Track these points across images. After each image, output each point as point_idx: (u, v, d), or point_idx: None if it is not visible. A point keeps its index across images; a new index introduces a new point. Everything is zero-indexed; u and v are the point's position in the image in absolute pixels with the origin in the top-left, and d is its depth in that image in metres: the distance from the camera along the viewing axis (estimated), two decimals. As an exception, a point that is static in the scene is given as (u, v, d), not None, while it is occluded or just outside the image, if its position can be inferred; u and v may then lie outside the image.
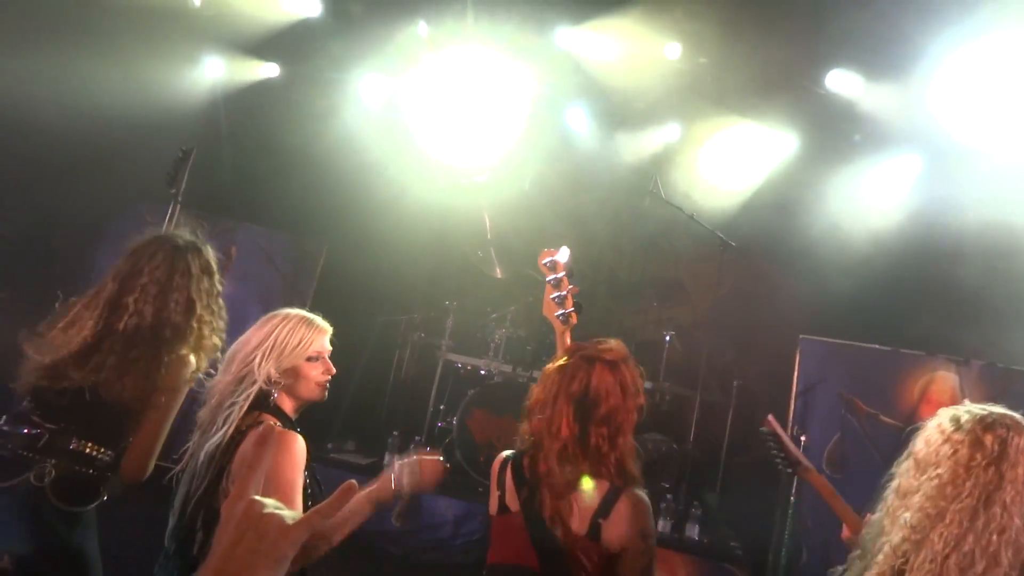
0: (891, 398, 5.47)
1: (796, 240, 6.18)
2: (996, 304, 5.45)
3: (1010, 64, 5.58)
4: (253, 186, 6.82)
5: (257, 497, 0.99)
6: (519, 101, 7.03)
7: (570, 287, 2.62)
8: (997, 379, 5.34)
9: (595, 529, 2.17)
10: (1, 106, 5.23)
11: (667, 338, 6.48)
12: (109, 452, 2.58)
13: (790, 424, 5.60)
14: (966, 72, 5.73)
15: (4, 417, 2.61)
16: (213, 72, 7.31)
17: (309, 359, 2.44)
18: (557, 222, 6.75)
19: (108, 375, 2.52)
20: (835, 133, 6.67)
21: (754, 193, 6.75)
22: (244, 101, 7.29)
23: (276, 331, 2.43)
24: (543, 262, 2.66)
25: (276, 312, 2.52)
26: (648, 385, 6.41)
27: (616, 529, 2.17)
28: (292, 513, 0.99)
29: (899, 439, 5.41)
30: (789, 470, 2.66)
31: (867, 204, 6.38)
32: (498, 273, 6.76)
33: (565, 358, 2.34)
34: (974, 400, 5.52)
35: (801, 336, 5.77)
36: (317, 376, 2.46)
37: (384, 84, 7.36)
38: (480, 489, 5.72)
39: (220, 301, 2.84)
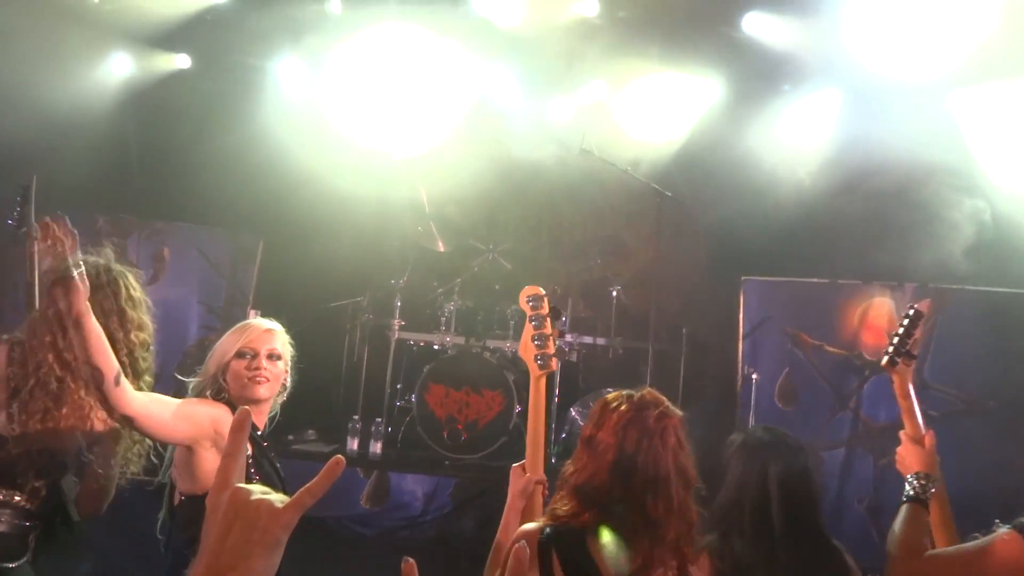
0: (833, 328, 5.66)
1: (729, 184, 6.28)
2: (925, 227, 5.64)
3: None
4: (178, 184, 6.62)
5: (241, 485, 0.97)
6: (441, 72, 6.94)
7: (554, 330, 2.46)
8: (930, 299, 5.56)
9: None
10: None
11: (613, 293, 6.56)
12: (35, 496, 2.40)
13: (740, 364, 5.76)
14: (874, 3, 5.86)
15: None
16: (120, 69, 7.01)
17: (237, 356, 2.52)
18: (494, 190, 6.72)
19: (22, 420, 2.36)
20: (756, 75, 6.76)
21: (684, 142, 6.81)
22: (156, 96, 7.03)
23: (220, 339, 2.61)
24: (525, 299, 2.47)
25: None
26: (601, 341, 6.55)
27: None
28: (280, 496, 0.96)
29: (846, 366, 5.62)
30: (894, 358, 2.27)
31: (794, 142, 6.51)
32: (440, 247, 6.73)
33: (635, 418, 2.04)
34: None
35: (743, 277, 5.91)
36: (245, 372, 2.50)
37: (302, 67, 7.17)
38: (446, 463, 5.75)
39: (138, 314, 2.63)
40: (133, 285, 2.64)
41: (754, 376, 5.40)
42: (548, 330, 2.46)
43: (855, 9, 5.90)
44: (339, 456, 0.96)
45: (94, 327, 2.17)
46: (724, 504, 2.30)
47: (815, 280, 5.80)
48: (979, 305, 5.50)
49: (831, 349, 5.64)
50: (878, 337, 5.56)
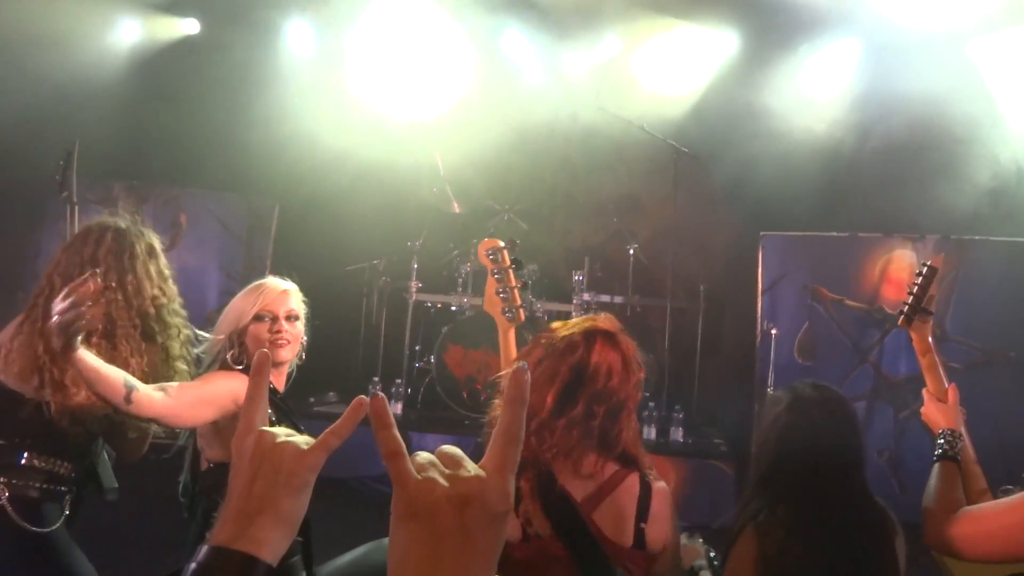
0: (854, 282, 5.61)
1: (746, 139, 6.20)
2: (946, 178, 5.55)
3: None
4: (192, 150, 6.61)
5: (266, 428, 0.96)
6: (454, 32, 6.85)
7: (517, 282, 2.40)
8: (952, 251, 5.49)
9: (639, 536, 1.96)
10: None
11: (630, 251, 6.53)
12: (67, 465, 2.42)
13: (759, 320, 5.74)
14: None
15: None
16: (129, 35, 6.97)
17: (256, 319, 2.49)
18: (509, 151, 6.67)
19: (54, 382, 2.32)
20: (773, 26, 6.62)
21: (701, 97, 6.70)
22: (167, 61, 6.99)
23: (233, 300, 2.56)
24: (485, 252, 2.41)
25: None
26: (618, 299, 6.54)
27: (657, 530, 1.99)
28: (305, 438, 0.95)
29: (866, 320, 5.58)
30: (910, 316, 2.25)
31: (812, 94, 6.40)
32: (455, 208, 6.70)
33: (558, 337, 2.03)
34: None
35: (762, 233, 5.86)
36: (266, 335, 2.47)
37: (313, 30, 7.10)
38: (466, 422, 5.80)
39: (173, 286, 2.64)
40: (146, 248, 2.61)
41: (773, 331, 5.38)
42: (512, 282, 2.40)
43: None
44: (362, 396, 0.92)
45: (88, 364, 2.11)
46: (769, 465, 2.22)
47: (835, 234, 5.73)
48: (1001, 255, 5.43)
49: (851, 303, 5.60)
50: (899, 290, 5.50)
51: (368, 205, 6.74)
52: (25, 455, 2.36)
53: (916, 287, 2.27)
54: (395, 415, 5.05)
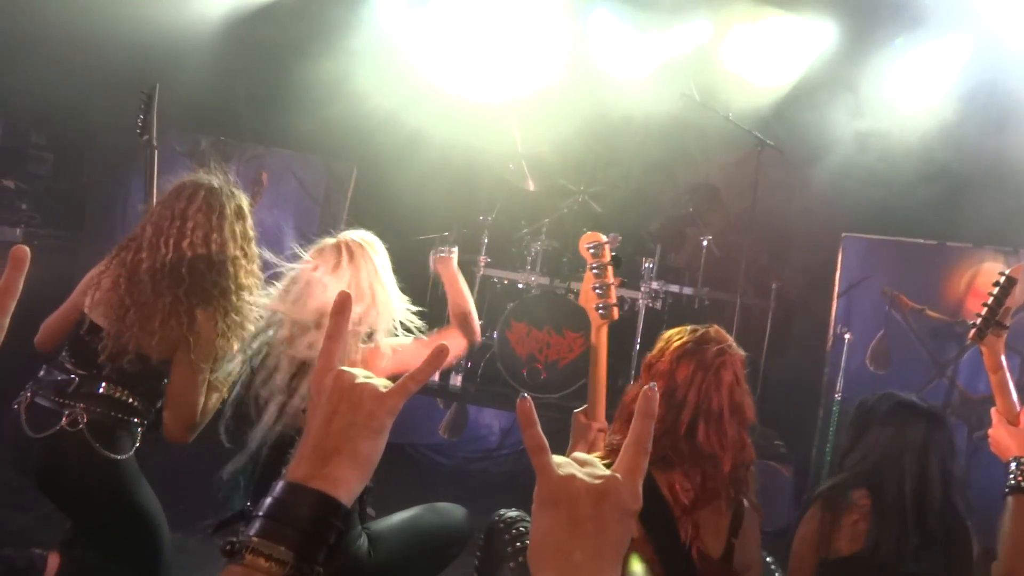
0: (937, 292, 5.38)
1: (836, 136, 5.98)
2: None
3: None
4: (277, 111, 6.75)
5: (345, 368, 0.97)
6: (539, 9, 6.78)
7: (614, 280, 2.36)
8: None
9: (729, 551, 1.97)
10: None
11: (704, 243, 6.40)
12: (141, 400, 2.57)
13: (832, 323, 5.56)
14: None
15: (44, 367, 2.62)
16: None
17: None
18: (588, 133, 6.59)
19: (132, 322, 2.47)
20: (874, 18, 6.33)
21: (791, 89, 6.48)
22: (257, 23, 7.13)
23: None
24: (586, 246, 2.37)
25: (357, 240, 2.63)
26: (688, 290, 6.43)
27: (746, 549, 1.99)
28: (383, 381, 0.96)
29: (946, 333, 5.35)
30: (982, 330, 2.13)
31: (911, 93, 6.11)
32: (530, 186, 6.68)
33: (693, 351, 2.04)
34: (1020, 290, 5.38)
35: (843, 234, 5.66)
36: None
37: (402, 2, 7.13)
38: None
39: (255, 248, 2.75)
40: (235, 209, 2.70)
41: (847, 336, 5.21)
42: (609, 279, 2.36)
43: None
44: (443, 344, 0.95)
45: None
46: (856, 460, 2.21)
47: (922, 241, 5.50)
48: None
49: (932, 314, 5.37)
50: (985, 304, 5.26)
51: (443, 176, 6.78)
52: (103, 385, 2.52)
53: (992, 298, 2.15)
54: (454, 387, 5.12)
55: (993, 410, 2.10)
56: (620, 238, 2.47)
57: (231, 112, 6.85)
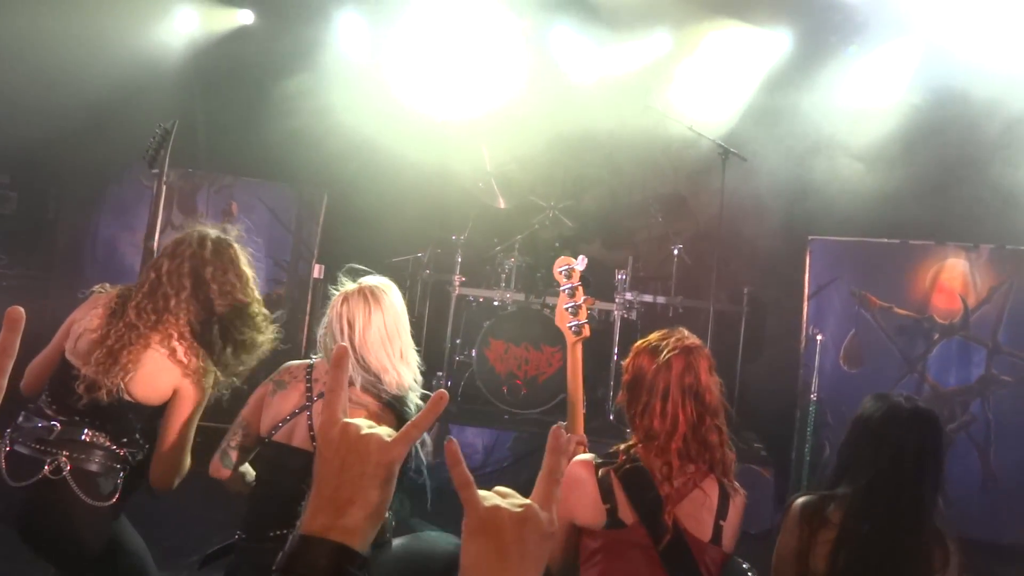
0: (903, 290, 5.50)
1: (797, 141, 6.11)
2: (1004, 185, 5.41)
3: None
4: (244, 139, 6.74)
5: (349, 420, 0.99)
6: (504, 28, 6.86)
7: (585, 298, 2.55)
8: (1007, 261, 5.35)
9: (717, 533, 2.13)
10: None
11: (675, 251, 6.49)
12: (124, 446, 2.53)
13: (804, 325, 5.66)
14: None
15: (23, 413, 2.55)
16: (186, 25, 7.13)
17: None
18: (555, 148, 6.67)
19: (120, 368, 2.44)
20: (827, 26, 6.50)
21: (751, 97, 6.62)
22: (222, 51, 7.14)
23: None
24: (558, 269, 2.59)
25: (374, 287, 2.60)
26: (661, 299, 6.50)
27: (732, 529, 2.16)
28: (386, 430, 0.99)
29: (915, 329, 5.46)
30: None
31: (867, 96, 6.26)
32: (501, 204, 6.73)
33: (658, 350, 2.26)
34: (984, 284, 5.48)
35: (810, 237, 5.77)
36: None
37: (366, 24, 7.17)
38: (505, 417, 5.83)
39: (257, 294, 2.73)
40: (235, 256, 2.71)
41: (819, 337, 5.29)
42: (580, 299, 2.54)
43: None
44: (443, 391, 0.99)
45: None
46: (845, 461, 2.27)
47: (885, 240, 5.63)
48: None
49: (900, 311, 5.49)
50: (950, 300, 5.39)
51: (414, 197, 6.80)
52: (87, 432, 2.48)
53: None
54: (436, 407, 5.07)
55: None
56: (587, 260, 2.61)
57: (198, 142, 6.83)
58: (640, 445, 2.21)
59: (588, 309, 2.58)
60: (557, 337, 5.89)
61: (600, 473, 2.18)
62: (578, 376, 2.48)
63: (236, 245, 2.72)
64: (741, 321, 6.32)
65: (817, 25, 6.50)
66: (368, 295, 2.55)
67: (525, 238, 6.63)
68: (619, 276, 6.23)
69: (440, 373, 6.16)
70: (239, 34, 7.34)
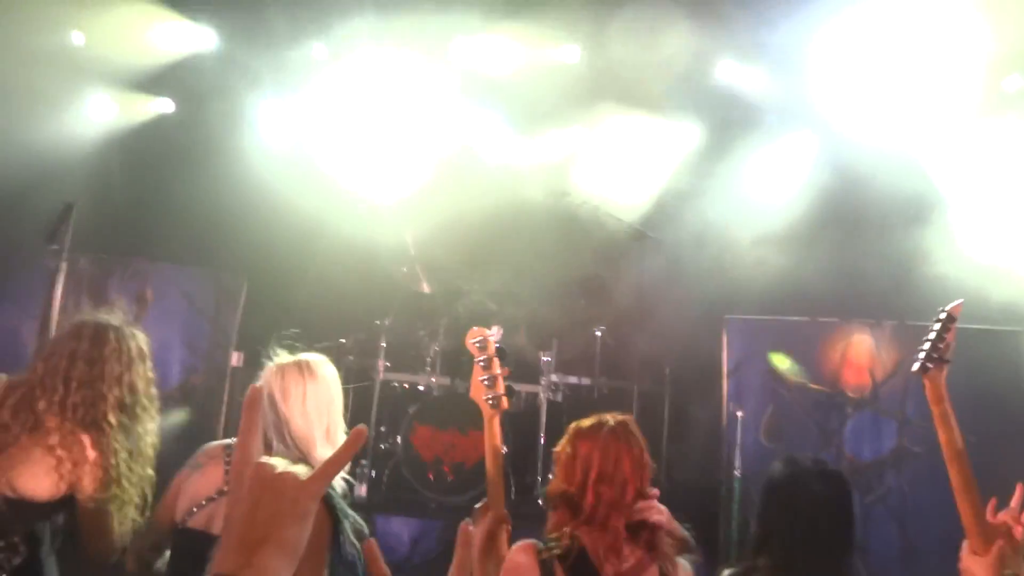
0: (815, 366, 5.71)
1: (710, 225, 6.38)
2: (902, 264, 5.74)
3: (883, 42, 5.91)
4: (161, 225, 6.62)
5: (264, 459, 0.97)
6: (426, 115, 7.04)
7: (501, 370, 2.52)
8: (908, 336, 5.63)
9: None
10: None
11: (597, 334, 6.59)
12: (23, 542, 2.41)
13: (725, 402, 5.79)
14: (844, 53, 6.04)
15: None
16: (103, 112, 7.06)
17: None
18: (478, 232, 6.77)
19: (9, 463, 2.36)
20: (733, 120, 6.93)
21: (665, 184, 6.93)
22: (139, 138, 7.08)
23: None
24: (471, 341, 2.53)
25: (311, 361, 2.53)
26: (586, 381, 6.55)
27: None
28: (303, 468, 0.98)
29: (828, 404, 5.65)
30: (926, 364, 2.23)
31: (772, 182, 6.64)
32: (425, 288, 6.74)
33: (594, 430, 2.34)
34: (890, 358, 5.71)
35: (726, 316, 5.97)
36: None
37: (286, 111, 7.25)
38: (432, 505, 5.68)
39: (153, 390, 2.71)
40: (136, 351, 2.67)
41: (739, 414, 5.42)
42: (496, 370, 2.50)
43: (823, 57, 6.09)
44: (362, 426, 0.98)
45: None
46: (762, 528, 2.29)
47: (795, 318, 5.87)
48: (958, 342, 5.57)
49: (814, 387, 5.68)
50: (859, 374, 5.62)
51: (337, 283, 6.75)
52: None
53: (933, 334, 2.24)
54: (359, 496, 4.95)
55: (964, 543, 2.09)
56: (502, 330, 2.62)
57: (111, 227, 6.66)
58: (582, 527, 2.21)
59: (505, 380, 2.52)
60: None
61: (542, 557, 2.18)
62: (497, 450, 2.43)
63: (124, 332, 2.66)
64: (664, 401, 6.41)
65: (724, 117, 6.92)
66: (304, 368, 2.49)
67: (450, 322, 6.63)
68: (544, 359, 6.27)
69: (364, 461, 5.99)
70: (158, 121, 7.31)
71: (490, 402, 2.46)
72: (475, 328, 2.56)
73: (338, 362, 6.91)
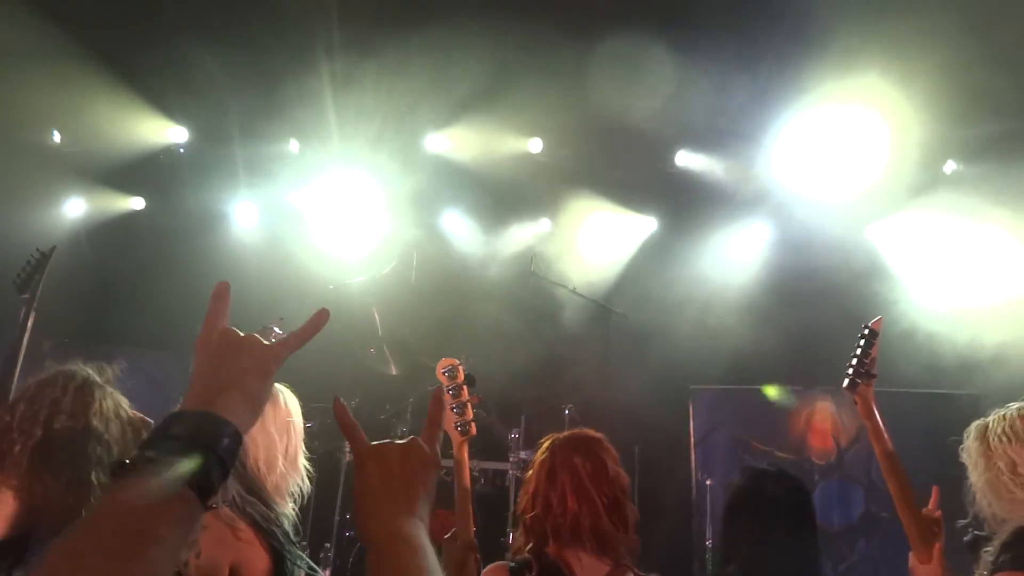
0: (781, 433, 5.78)
1: (673, 302, 6.56)
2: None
3: (832, 133, 6.33)
4: (129, 311, 6.61)
5: (231, 327, 1.01)
6: (395, 206, 7.26)
7: (470, 397, 2.58)
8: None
9: None
10: None
11: (566, 412, 6.59)
12: None
13: (693, 472, 5.78)
14: (796, 143, 6.44)
15: None
16: (75, 210, 7.20)
17: None
18: (446, 313, 6.87)
19: None
20: (690, 207, 7.25)
21: (628, 265, 7.16)
22: (110, 233, 7.18)
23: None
24: (442, 370, 2.59)
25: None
26: (555, 454, 6.47)
27: None
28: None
29: (795, 471, 5.67)
30: (855, 380, 2.33)
31: (731, 263, 6.90)
32: (393, 370, 6.74)
33: (558, 445, 2.42)
34: (852, 424, 5.80)
35: (692, 387, 6.05)
36: None
37: (257, 204, 7.43)
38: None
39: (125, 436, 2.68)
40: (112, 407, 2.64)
41: (708, 482, 5.42)
42: (465, 397, 2.55)
43: (777, 148, 6.48)
44: (325, 308, 1.04)
45: None
46: (725, 532, 2.33)
47: (759, 387, 5.97)
48: (914, 406, 5.70)
49: (781, 455, 5.73)
50: (824, 440, 5.69)
51: (303, 366, 6.70)
52: None
53: (859, 350, 2.33)
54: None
55: (910, 555, 2.18)
56: (471, 359, 2.67)
57: (76, 313, 6.63)
58: (551, 543, 2.22)
59: (474, 408, 2.57)
60: (453, 501, 5.73)
61: (512, 568, 2.19)
62: (465, 477, 2.45)
63: (105, 388, 2.63)
64: (634, 479, 6.36)
65: (678, 208, 7.25)
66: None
67: (417, 401, 6.60)
68: (513, 435, 6.23)
69: (328, 545, 5.80)
70: (130, 218, 7.45)
71: (459, 429, 2.50)
72: (444, 358, 2.61)
73: (304, 445, 6.79)
